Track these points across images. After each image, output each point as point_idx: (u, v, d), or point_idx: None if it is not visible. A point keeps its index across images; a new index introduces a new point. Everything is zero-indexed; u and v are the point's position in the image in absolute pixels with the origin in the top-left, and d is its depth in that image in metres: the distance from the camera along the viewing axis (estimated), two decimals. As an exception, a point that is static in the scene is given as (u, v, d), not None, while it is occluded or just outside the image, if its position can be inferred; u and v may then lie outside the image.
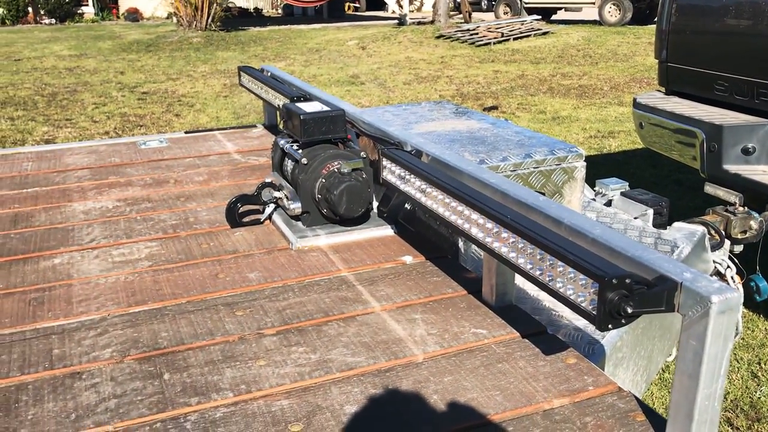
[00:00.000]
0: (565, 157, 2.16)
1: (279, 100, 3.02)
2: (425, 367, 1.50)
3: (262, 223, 2.34)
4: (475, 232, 1.58)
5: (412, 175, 1.88)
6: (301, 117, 2.22)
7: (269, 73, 3.52)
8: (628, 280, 1.18)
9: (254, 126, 3.73)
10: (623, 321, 1.19)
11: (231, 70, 12.88)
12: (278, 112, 3.34)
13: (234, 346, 1.60)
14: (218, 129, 3.72)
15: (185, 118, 9.14)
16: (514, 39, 15.79)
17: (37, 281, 1.95)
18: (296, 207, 2.21)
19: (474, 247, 2.01)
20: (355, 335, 1.63)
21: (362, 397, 1.40)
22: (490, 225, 1.52)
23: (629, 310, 1.17)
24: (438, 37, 16.48)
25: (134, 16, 25.09)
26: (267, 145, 3.32)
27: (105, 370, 1.52)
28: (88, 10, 25.58)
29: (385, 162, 2.04)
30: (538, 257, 1.35)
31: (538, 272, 1.36)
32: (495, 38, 15.56)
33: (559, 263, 1.29)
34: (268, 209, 2.35)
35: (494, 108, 9.07)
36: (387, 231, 2.23)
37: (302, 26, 21.75)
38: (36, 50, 16.53)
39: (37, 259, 2.10)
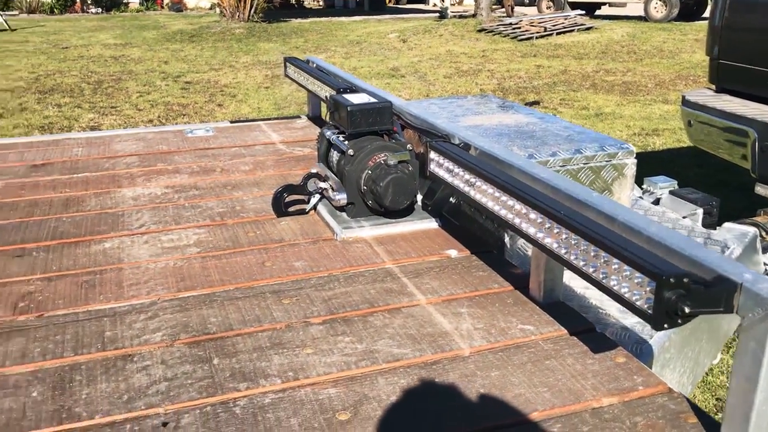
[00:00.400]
0: (616, 154, 2.13)
1: (325, 92, 3.03)
2: (472, 361, 1.50)
3: (307, 213, 2.36)
4: (525, 227, 1.56)
5: (461, 168, 1.87)
6: (348, 108, 2.23)
7: (314, 65, 3.53)
8: (685, 279, 1.16)
9: (298, 117, 3.75)
10: (679, 321, 1.17)
11: (272, 61, 12.97)
12: (323, 104, 3.35)
13: (281, 334, 1.61)
14: (263, 119, 3.75)
15: (227, 108, 9.23)
16: (557, 34, 15.60)
17: (88, 264, 1.99)
18: (341, 198, 2.22)
19: (520, 242, 2.00)
20: (400, 327, 1.63)
21: (409, 389, 1.41)
22: (541, 220, 1.50)
23: (687, 310, 1.15)
24: (479, 31, 16.36)
25: (178, 6, 25.41)
26: (311, 136, 3.34)
27: (156, 353, 1.55)
28: (134, 0, 25.98)
29: (432, 155, 2.03)
30: (592, 254, 1.33)
31: (591, 269, 1.34)
32: (537, 33, 15.39)
33: (614, 260, 1.27)
34: (313, 200, 2.36)
35: (536, 103, 8.98)
36: (431, 224, 2.22)
37: (343, 18, 21.79)
38: (83, 39, 16.84)
39: (89, 242, 2.14)
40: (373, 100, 2.31)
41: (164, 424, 1.31)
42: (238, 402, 1.37)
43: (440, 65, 12.47)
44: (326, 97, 2.63)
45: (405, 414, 1.34)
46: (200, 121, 8.56)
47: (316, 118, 3.66)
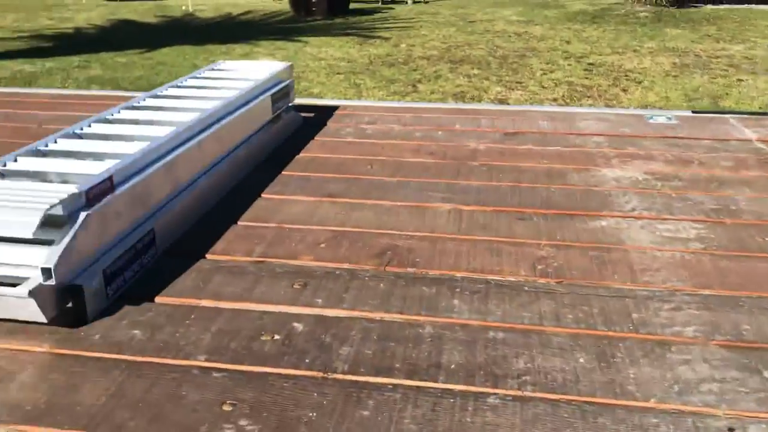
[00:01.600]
0: None
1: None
2: None
3: (820, 226, 2.09)
4: None
5: None
6: None
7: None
8: None
9: (772, 114, 3.39)
10: None
11: (681, 48, 12.13)
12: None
13: (839, 363, 1.43)
14: (728, 112, 3.47)
15: (632, 93, 8.88)
16: None
17: (591, 240, 2.02)
18: None
19: None
20: None
21: None
22: None
23: None
24: None
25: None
26: (794, 137, 2.99)
27: (693, 348, 1.49)
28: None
29: None
30: None
31: None
32: None
33: None
34: (831, 213, 2.08)
35: None
36: None
37: (765, 6, 19.44)
38: (487, 14, 17.69)
39: (583, 218, 2.18)
40: None
41: (730, 430, 1.25)
42: (812, 429, 1.24)
43: None
44: None
45: None
46: (605, 105, 8.39)
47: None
